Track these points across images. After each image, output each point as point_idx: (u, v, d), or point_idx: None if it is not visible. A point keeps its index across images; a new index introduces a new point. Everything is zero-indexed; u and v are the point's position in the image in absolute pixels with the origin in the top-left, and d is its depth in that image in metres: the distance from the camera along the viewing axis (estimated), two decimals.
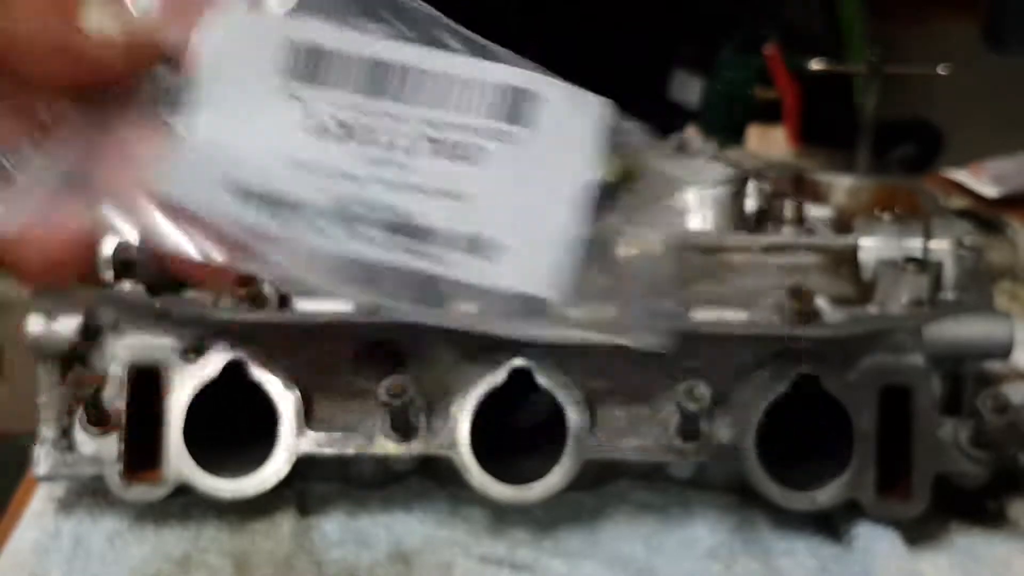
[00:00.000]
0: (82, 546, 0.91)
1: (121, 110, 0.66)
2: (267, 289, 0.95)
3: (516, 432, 1.02)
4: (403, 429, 0.90)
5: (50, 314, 0.90)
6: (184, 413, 0.90)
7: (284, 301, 0.96)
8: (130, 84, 0.66)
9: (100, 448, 0.90)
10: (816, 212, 1.14)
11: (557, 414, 0.92)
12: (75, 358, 0.91)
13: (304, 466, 0.95)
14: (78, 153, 0.66)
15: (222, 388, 0.91)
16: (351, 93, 0.63)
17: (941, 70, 1.68)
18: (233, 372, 0.91)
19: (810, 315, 0.95)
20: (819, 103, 1.78)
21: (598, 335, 0.67)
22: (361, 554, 0.91)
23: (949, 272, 1.03)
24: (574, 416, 0.91)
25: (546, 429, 0.98)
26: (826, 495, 0.90)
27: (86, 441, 0.91)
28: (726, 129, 1.78)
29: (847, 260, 1.07)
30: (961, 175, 1.58)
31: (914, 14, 4.40)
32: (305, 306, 0.99)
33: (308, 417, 0.91)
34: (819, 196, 1.16)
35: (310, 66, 0.62)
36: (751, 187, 1.14)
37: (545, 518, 0.96)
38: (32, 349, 0.91)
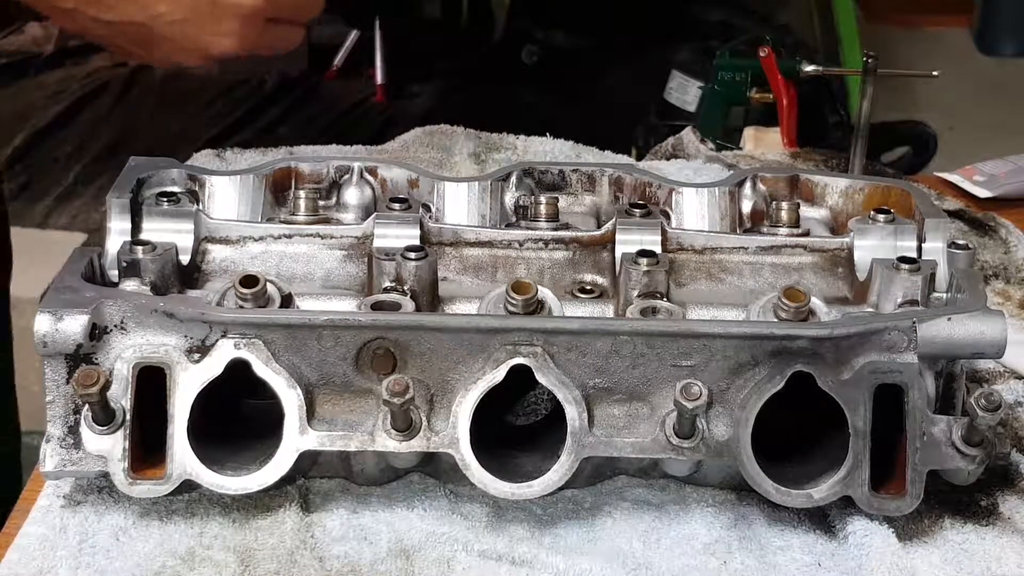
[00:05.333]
0: (88, 541, 0.92)
1: None
2: (270, 289, 0.96)
3: (515, 429, 1.03)
4: (404, 427, 0.91)
5: (57, 313, 0.91)
6: (189, 411, 0.91)
7: (287, 301, 0.98)
8: None
9: (106, 445, 0.91)
10: (811, 213, 1.15)
11: (556, 412, 0.93)
12: (81, 357, 0.92)
13: (307, 463, 0.97)
14: None
15: (226, 386, 0.93)
16: None
17: (934, 73, 1.69)
18: (237, 371, 0.92)
19: (805, 315, 0.96)
20: (814, 106, 1.79)
21: None
22: (363, 550, 0.92)
23: (942, 272, 1.04)
24: (573, 414, 0.92)
25: (545, 426, 1.00)
26: (821, 492, 0.92)
27: (92, 439, 0.91)
28: (723, 131, 1.79)
29: (842, 260, 1.08)
30: (954, 176, 1.58)
31: (907, 18, 4.42)
32: (308, 305, 1.00)
33: (311, 415, 0.92)
34: (814, 197, 1.17)
35: None
36: (747, 188, 1.15)
37: (544, 515, 0.97)
38: (39, 348, 0.91)
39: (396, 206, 1.07)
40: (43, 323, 0.91)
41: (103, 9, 1.28)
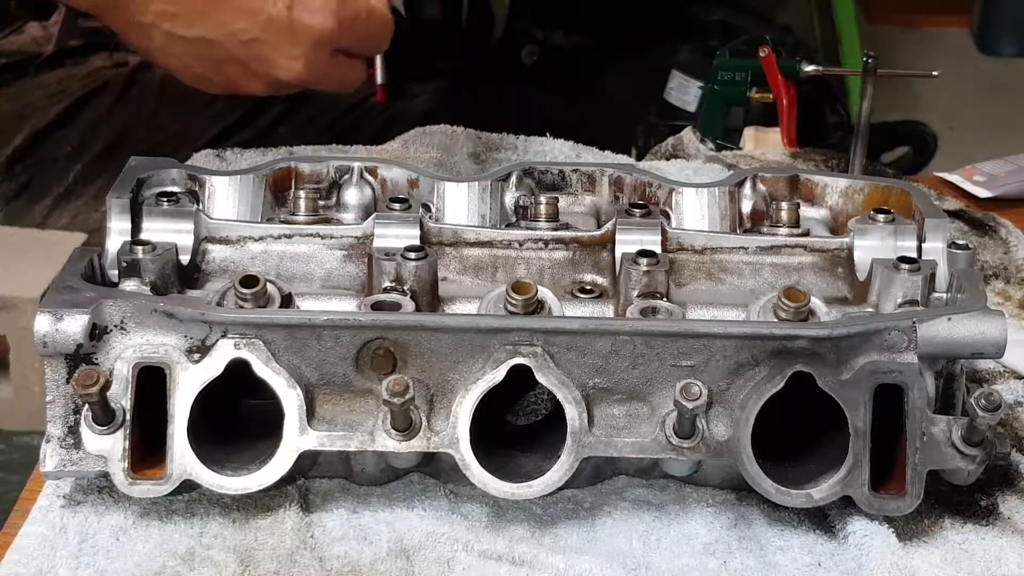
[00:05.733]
0: (88, 541, 0.92)
1: None
2: (270, 289, 0.96)
3: (515, 429, 1.03)
4: (404, 427, 0.91)
5: (57, 313, 0.91)
6: (189, 411, 0.91)
7: (287, 301, 0.98)
8: None
9: (106, 445, 0.91)
10: (811, 213, 1.15)
11: (556, 412, 0.93)
12: (81, 357, 0.92)
13: (307, 463, 0.97)
14: None
15: (226, 386, 0.93)
16: None
17: (934, 73, 1.69)
18: (237, 371, 0.92)
19: (805, 315, 0.96)
20: (814, 106, 1.79)
21: None
22: (363, 550, 0.92)
23: (942, 272, 1.04)
24: (573, 414, 0.92)
25: (545, 426, 1.00)
26: (821, 492, 0.92)
27: (92, 439, 0.91)
28: (723, 131, 1.79)
29: (842, 260, 1.08)
30: (954, 176, 1.58)
31: (907, 18, 4.42)
32: (308, 305, 1.00)
33: (311, 415, 0.92)
34: (814, 197, 1.17)
35: None
36: (747, 188, 1.15)
37: (544, 515, 0.97)
38: (39, 348, 0.91)
39: (396, 206, 1.07)
40: (43, 323, 0.91)
41: (180, 24, 1.29)
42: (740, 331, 0.92)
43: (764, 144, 1.68)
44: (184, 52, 1.32)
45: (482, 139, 1.56)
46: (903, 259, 1.01)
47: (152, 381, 0.92)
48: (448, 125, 1.57)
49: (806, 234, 1.10)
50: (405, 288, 0.99)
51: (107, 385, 0.89)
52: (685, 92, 1.99)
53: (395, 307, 0.97)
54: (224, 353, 0.92)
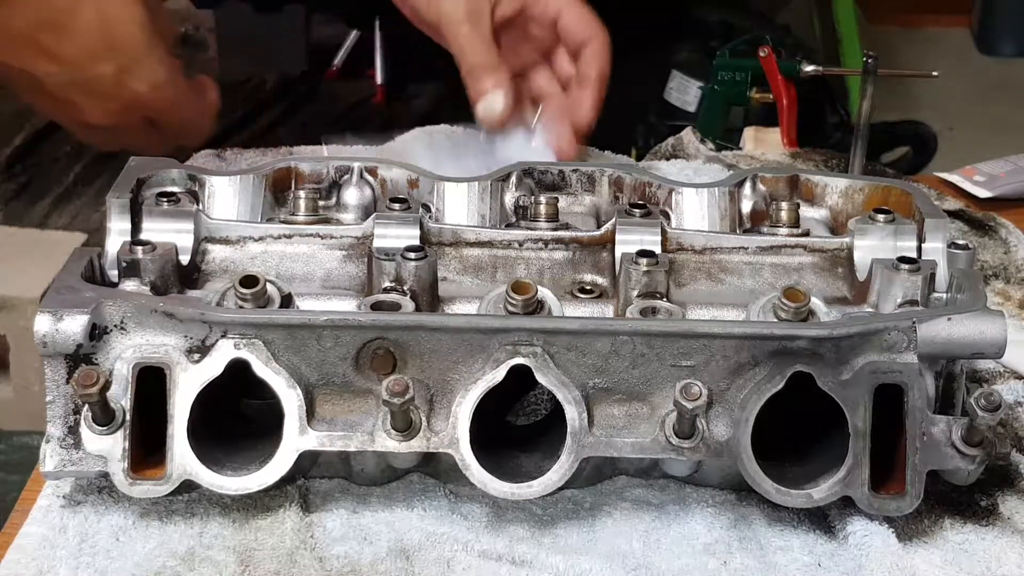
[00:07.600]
0: (88, 541, 0.92)
1: None
2: (270, 289, 0.96)
3: (515, 429, 1.03)
4: (404, 427, 0.91)
5: (57, 313, 0.91)
6: (189, 411, 0.91)
7: (287, 301, 0.98)
8: None
9: (106, 445, 0.91)
10: (811, 213, 1.15)
11: (556, 412, 0.93)
12: (81, 357, 0.92)
13: (307, 463, 0.97)
14: None
15: (226, 386, 0.93)
16: None
17: (934, 73, 1.69)
18: (237, 371, 0.92)
19: (805, 315, 0.96)
20: (814, 106, 1.79)
21: None
22: (363, 550, 0.92)
23: (942, 272, 1.04)
24: (573, 414, 0.92)
25: (545, 426, 1.00)
26: (821, 492, 0.92)
27: (92, 439, 0.91)
28: (723, 131, 1.79)
29: (842, 260, 1.08)
30: (954, 176, 1.58)
31: (907, 18, 4.41)
32: (308, 305, 1.00)
33: (311, 415, 0.92)
34: (814, 197, 1.17)
35: None
36: (747, 188, 1.15)
37: (544, 515, 0.97)
38: (39, 348, 0.91)
39: (396, 206, 1.07)
40: (43, 323, 0.91)
41: (6, 53, 1.28)
42: (740, 331, 0.92)
43: (764, 144, 1.68)
44: (8, 77, 1.32)
45: None
46: (903, 259, 1.01)
47: (152, 381, 0.92)
48: (448, 125, 1.57)
49: (806, 234, 1.10)
50: (405, 288, 0.99)
51: (107, 385, 0.89)
52: (685, 92, 1.99)
53: (395, 307, 0.97)
54: (224, 353, 0.92)
